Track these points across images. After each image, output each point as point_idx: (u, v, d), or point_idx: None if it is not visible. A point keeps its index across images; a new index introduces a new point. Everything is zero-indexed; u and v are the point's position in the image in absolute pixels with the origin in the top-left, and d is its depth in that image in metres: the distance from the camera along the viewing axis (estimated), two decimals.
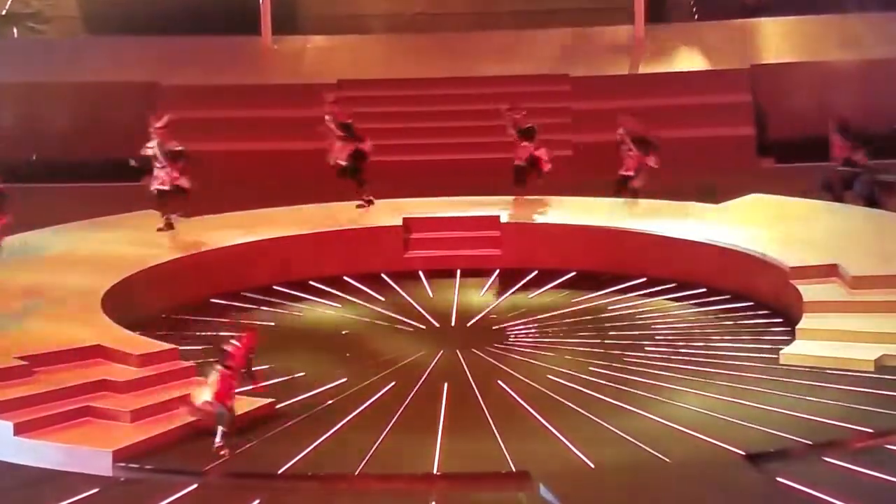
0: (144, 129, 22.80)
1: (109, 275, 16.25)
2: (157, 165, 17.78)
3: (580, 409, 13.32)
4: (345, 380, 14.31)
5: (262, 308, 16.89)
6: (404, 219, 18.67)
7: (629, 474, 11.83)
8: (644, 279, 17.36)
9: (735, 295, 16.60)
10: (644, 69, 25.15)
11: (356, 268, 17.95)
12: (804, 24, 26.22)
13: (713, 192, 19.23)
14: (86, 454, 12.18)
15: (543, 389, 13.91)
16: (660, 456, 12.11)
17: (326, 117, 18.96)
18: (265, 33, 26.08)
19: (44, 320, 14.59)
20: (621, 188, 19.44)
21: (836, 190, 19.99)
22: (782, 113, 24.08)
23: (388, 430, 12.78)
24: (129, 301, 15.88)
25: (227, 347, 12.55)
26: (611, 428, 12.78)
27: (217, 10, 25.97)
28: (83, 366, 13.71)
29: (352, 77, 24.67)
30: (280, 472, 11.96)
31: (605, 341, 15.44)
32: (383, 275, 17.91)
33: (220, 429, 12.25)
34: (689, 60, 25.34)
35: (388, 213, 19.00)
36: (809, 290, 15.49)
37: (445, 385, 14.06)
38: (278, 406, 13.41)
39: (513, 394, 13.85)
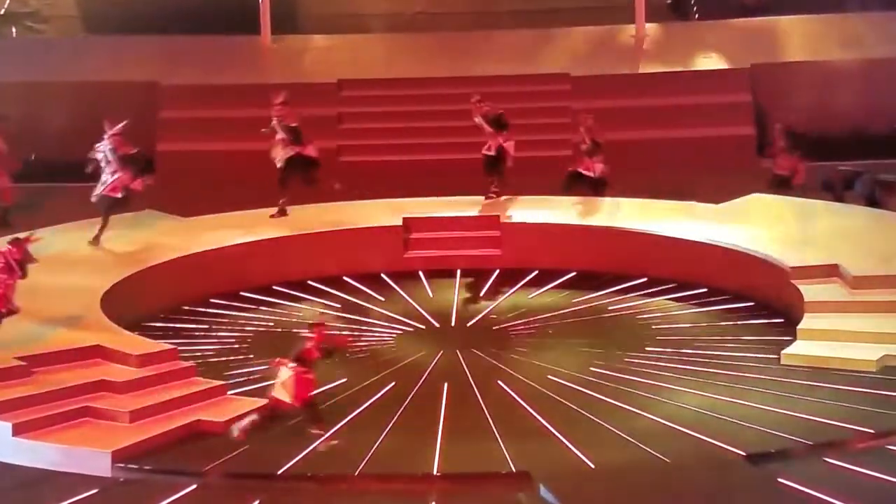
0: (144, 129, 22.94)
1: (108, 275, 16.24)
2: (108, 171, 17.27)
3: (580, 410, 13.31)
4: (345, 380, 14.29)
5: (262, 308, 16.86)
6: (404, 219, 18.64)
7: (629, 475, 11.81)
8: (644, 279, 17.33)
9: (736, 295, 16.58)
10: (644, 69, 25.11)
11: (356, 268, 17.92)
12: (805, 24, 26.17)
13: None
14: (85, 455, 12.17)
15: (543, 390, 13.90)
16: (660, 456, 12.09)
17: (274, 119, 18.54)
18: (265, 33, 26.05)
19: (43, 320, 14.56)
20: (572, 184, 19.44)
21: (836, 190, 19.96)
22: (783, 113, 24.02)
23: (387, 430, 12.77)
24: (129, 301, 15.85)
25: (303, 344, 12.48)
26: (611, 428, 12.76)
27: (216, 9, 25.94)
28: (82, 366, 13.73)
29: (352, 77, 24.64)
30: (279, 472, 11.95)
31: (606, 342, 15.42)
32: (383, 275, 17.88)
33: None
34: (689, 60, 25.30)
35: (388, 213, 18.97)
36: (810, 291, 15.47)
37: (445, 385, 14.05)
38: None
39: (513, 394, 13.84)
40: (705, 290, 16.86)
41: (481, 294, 17.62)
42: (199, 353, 14.95)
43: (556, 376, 14.32)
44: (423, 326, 16.28)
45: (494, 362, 14.90)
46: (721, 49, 25.40)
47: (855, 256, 16.16)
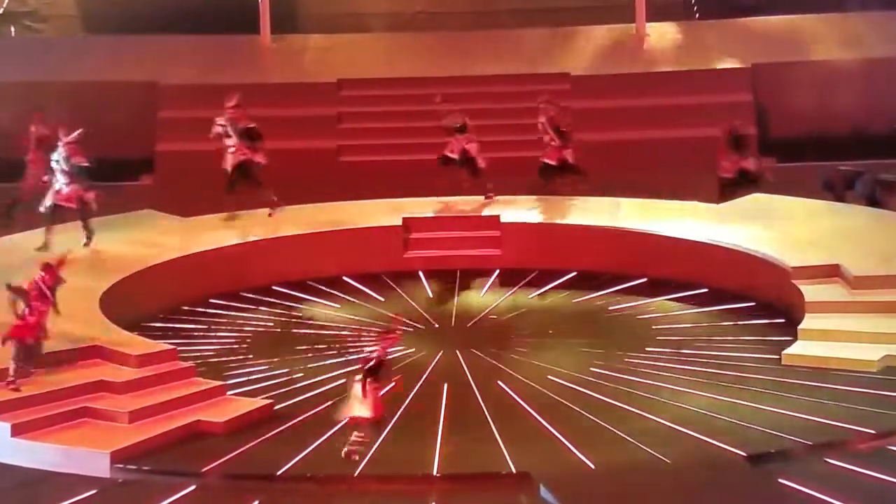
0: (144, 129, 22.92)
1: (107, 275, 16.22)
2: (62, 181, 16.79)
3: (580, 410, 13.28)
4: (344, 381, 14.23)
5: (261, 308, 16.83)
6: (404, 219, 18.61)
7: (630, 475, 11.78)
8: (645, 279, 17.30)
9: (736, 295, 16.55)
10: (645, 68, 25.09)
11: (356, 268, 17.89)
12: (805, 23, 26.16)
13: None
14: (83, 455, 12.14)
15: (543, 390, 13.87)
16: (660, 457, 12.07)
17: (220, 121, 18.20)
18: (264, 32, 26.03)
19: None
20: (547, 176, 19.38)
21: (837, 190, 19.92)
22: (783, 112, 24.01)
23: (387, 430, 12.71)
24: (128, 301, 15.82)
25: (373, 354, 12.31)
26: (611, 429, 12.74)
27: (216, 9, 25.92)
28: (81, 366, 13.68)
29: (351, 76, 24.62)
30: (279, 473, 11.92)
31: (607, 342, 15.39)
32: (383, 275, 17.85)
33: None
34: (689, 59, 25.28)
35: (388, 213, 18.94)
36: (811, 291, 15.45)
37: (445, 385, 14.02)
38: (277, 407, 13.38)
39: (513, 394, 13.81)
40: (706, 290, 16.83)
41: (481, 294, 17.59)
42: (198, 354, 14.93)
43: (556, 377, 14.30)
44: (422, 327, 16.25)
45: (494, 362, 14.88)
46: (722, 49, 25.38)
47: (856, 256, 16.13)
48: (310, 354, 15.19)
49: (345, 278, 17.72)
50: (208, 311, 16.65)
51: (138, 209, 19.19)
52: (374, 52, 25.87)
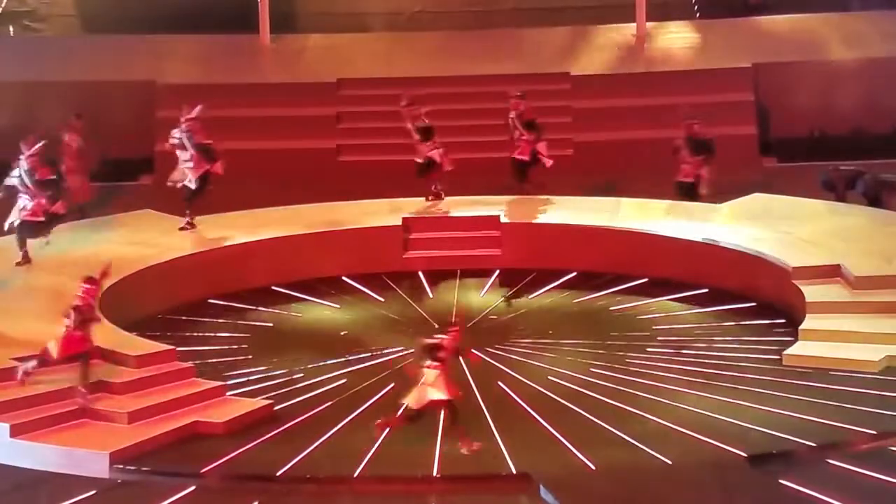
0: (143, 128, 22.85)
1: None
2: (25, 196, 16.20)
3: (581, 411, 13.26)
4: (344, 381, 14.24)
5: (261, 308, 16.79)
6: (404, 219, 18.58)
7: (630, 476, 11.78)
8: (646, 280, 17.26)
9: (737, 295, 16.52)
10: (645, 67, 25.05)
11: (356, 268, 17.85)
12: (807, 23, 26.11)
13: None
14: (82, 456, 12.15)
15: (544, 391, 13.85)
16: (661, 458, 12.04)
17: (176, 132, 17.61)
18: (263, 31, 25.97)
19: (40, 321, 14.48)
20: (519, 172, 19.32)
21: (838, 189, 19.88)
22: (785, 112, 23.98)
23: (387, 431, 12.67)
24: (127, 301, 15.77)
25: (438, 340, 12.36)
26: (612, 429, 12.72)
27: (215, 8, 25.87)
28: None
29: (351, 76, 24.57)
30: (278, 474, 11.90)
31: (607, 342, 15.36)
32: (383, 275, 17.81)
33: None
34: (690, 59, 25.24)
35: (387, 213, 18.90)
36: (812, 291, 15.42)
37: None
38: (277, 408, 13.36)
39: (513, 395, 13.79)
40: (706, 290, 16.80)
41: (481, 294, 17.55)
42: (197, 354, 14.89)
43: (556, 377, 14.27)
44: (422, 327, 16.19)
45: (494, 363, 14.84)
46: (723, 47, 25.34)
47: (857, 257, 16.10)
48: (309, 355, 15.14)
49: (345, 278, 17.68)
50: (208, 311, 16.62)
51: (137, 209, 19.15)
52: (374, 51, 25.81)
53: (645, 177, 20.46)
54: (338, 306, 16.97)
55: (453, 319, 13.05)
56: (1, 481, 11.95)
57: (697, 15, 27.80)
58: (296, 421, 13.04)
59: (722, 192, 19.23)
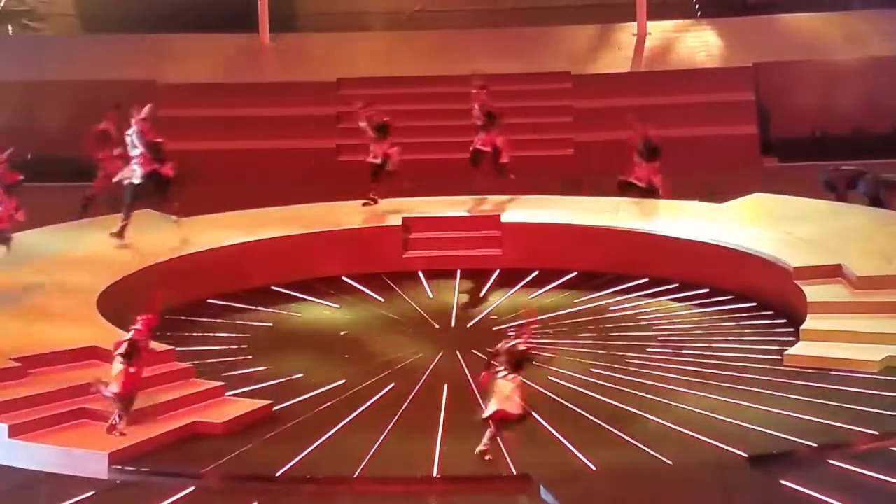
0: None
1: (105, 275, 16.14)
2: None
3: (581, 411, 13.22)
4: (343, 381, 14.20)
5: (260, 309, 16.75)
6: (404, 219, 18.54)
7: (631, 477, 11.74)
8: (646, 280, 17.22)
9: (738, 295, 16.49)
10: (646, 67, 25.03)
11: (355, 268, 17.82)
12: (808, 22, 26.11)
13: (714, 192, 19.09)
14: (81, 456, 12.09)
15: (544, 391, 13.80)
16: (661, 458, 12.00)
17: (128, 132, 17.31)
18: (263, 31, 25.97)
19: (39, 321, 14.47)
20: (477, 162, 19.22)
21: (839, 189, 19.85)
22: (786, 111, 23.96)
23: (387, 432, 12.67)
24: (126, 301, 15.71)
25: (514, 348, 12.14)
26: (612, 430, 12.68)
27: (214, 7, 25.85)
28: (79, 367, 13.61)
29: (351, 75, 24.55)
30: (278, 474, 11.87)
31: (607, 342, 15.32)
32: (382, 275, 17.77)
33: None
34: (691, 58, 25.22)
35: (387, 213, 18.86)
36: (813, 291, 15.38)
37: (445, 387, 13.94)
38: (276, 408, 13.31)
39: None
40: (707, 290, 16.76)
41: (481, 294, 17.52)
42: (197, 355, 14.85)
43: (556, 377, 14.23)
44: (422, 327, 16.17)
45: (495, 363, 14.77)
46: (724, 47, 25.32)
47: (858, 256, 16.06)
48: (309, 355, 15.10)
49: (344, 278, 17.65)
50: (207, 311, 16.58)
51: (136, 209, 19.08)
52: (374, 50, 25.80)
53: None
54: (338, 306, 16.94)
55: (524, 320, 12.69)
56: (0, 482, 11.91)
57: (698, 14, 27.80)
58: (295, 421, 13.00)
59: (723, 193, 19.20)
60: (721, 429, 12.59)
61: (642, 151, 19.27)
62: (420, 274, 17.90)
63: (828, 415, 12.78)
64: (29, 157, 23.01)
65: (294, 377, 14.31)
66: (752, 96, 23.93)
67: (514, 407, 11.97)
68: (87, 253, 17.08)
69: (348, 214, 18.89)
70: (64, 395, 12.96)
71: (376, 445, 12.31)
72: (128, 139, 17.37)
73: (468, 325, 16.32)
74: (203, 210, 18.75)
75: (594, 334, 15.67)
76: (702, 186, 19.55)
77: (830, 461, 11.84)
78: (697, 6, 28.01)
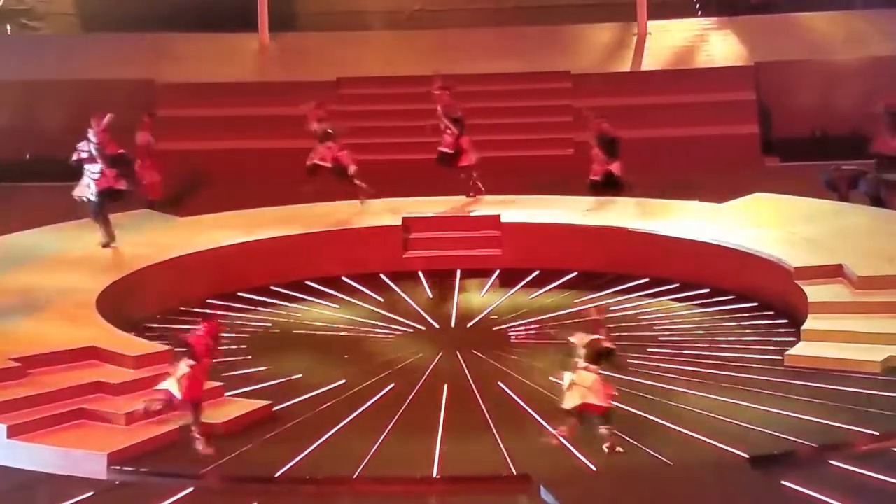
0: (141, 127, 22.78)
1: (104, 275, 16.13)
2: None
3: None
4: (343, 382, 14.18)
5: (259, 309, 16.73)
6: (404, 218, 18.52)
7: (631, 478, 11.71)
8: (647, 280, 17.19)
9: (739, 295, 16.46)
10: (647, 66, 25.01)
11: (355, 268, 17.79)
12: (809, 22, 26.08)
13: None
14: (80, 457, 12.08)
15: (544, 391, 13.76)
16: (662, 458, 11.97)
17: (84, 146, 16.85)
18: (263, 30, 25.94)
19: (38, 321, 14.46)
20: (444, 164, 19.20)
21: (841, 189, 19.82)
22: (787, 111, 23.93)
23: (387, 432, 12.66)
24: (125, 302, 15.73)
25: (594, 341, 12.19)
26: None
27: (214, 6, 25.83)
28: (77, 367, 13.59)
29: (351, 74, 24.52)
30: (277, 475, 11.84)
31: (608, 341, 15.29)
32: (382, 275, 17.75)
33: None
34: (692, 57, 25.20)
35: (387, 212, 18.84)
36: (814, 291, 15.35)
37: (445, 387, 13.93)
38: (276, 408, 13.29)
39: (513, 396, 13.71)
40: (708, 290, 16.73)
41: (481, 294, 17.49)
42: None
43: (557, 378, 14.16)
44: (422, 327, 16.15)
45: (495, 363, 14.79)
46: (725, 47, 25.29)
47: (859, 256, 16.03)
48: (309, 355, 15.07)
49: (344, 278, 17.62)
50: (206, 311, 16.48)
51: (135, 209, 19.08)
52: (374, 50, 25.77)
53: (645, 176, 20.37)
54: (338, 306, 16.91)
55: (594, 315, 12.70)
56: None
57: (699, 13, 27.77)
58: (295, 421, 12.97)
59: (724, 192, 19.17)
60: (721, 429, 12.57)
61: (599, 146, 19.23)
62: (420, 274, 17.87)
63: (829, 415, 12.76)
64: (28, 156, 23.06)
65: (294, 377, 14.29)
66: (753, 96, 23.89)
67: (600, 399, 12.03)
68: (86, 253, 17.06)
69: (348, 214, 18.86)
70: (63, 396, 12.95)
71: (376, 446, 12.29)
72: (85, 153, 16.87)
73: (468, 325, 16.30)
74: (203, 210, 18.73)
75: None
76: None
77: (831, 462, 11.81)
78: (698, 5, 27.98)
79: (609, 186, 19.21)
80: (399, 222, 18.46)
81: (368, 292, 17.29)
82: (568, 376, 12.20)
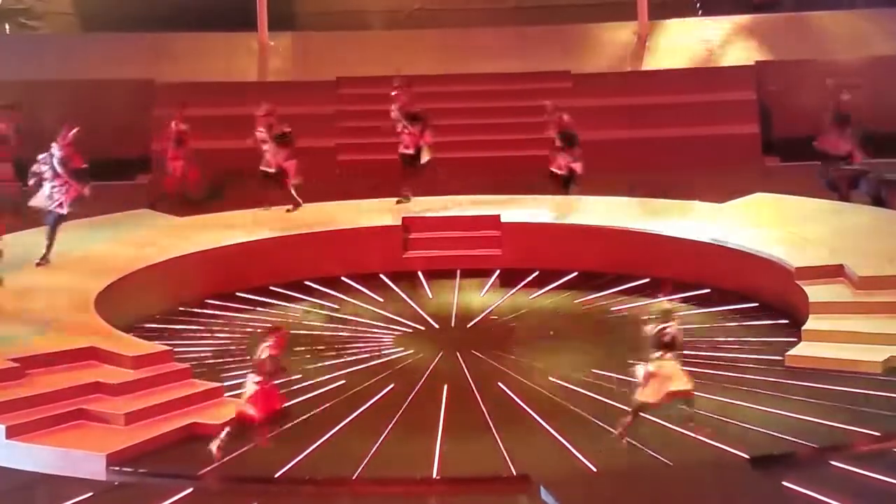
0: (140, 127, 22.79)
1: (103, 275, 16.10)
2: None
3: (582, 412, 13.18)
4: (343, 381, 14.15)
5: (259, 309, 16.70)
6: (403, 218, 18.49)
7: (632, 478, 11.69)
8: (647, 280, 17.16)
9: (740, 296, 16.42)
10: (647, 66, 24.96)
11: (355, 268, 17.76)
12: (810, 21, 26.01)
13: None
14: (79, 457, 12.08)
15: (544, 391, 13.78)
16: (662, 459, 11.95)
17: (43, 157, 16.51)
18: (262, 29, 25.88)
19: (37, 322, 14.42)
20: (407, 165, 19.07)
21: (842, 189, 19.77)
22: (788, 111, 23.86)
23: (386, 433, 12.65)
24: (124, 302, 15.70)
25: (666, 337, 12.28)
26: (613, 431, 12.60)
27: (213, 6, 25.78)
28: (76, 368, 13.57)
29: (350, 74, 24.48)
30: (277, 475, 11.82)
31: (607, 342, 15.28)
32: (382, 275, 17.71)
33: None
34: (692, 57, 25.14)
35: (387, 213, 18.80)
36: (815, 291, 15.33)
37: (445, 387, 13.92)
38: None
39: (513, 396, 13.71)
40: (709, 290, 16.69)
41: (481, 294, 17.46)
42: (195, 355, 14.81)
43: (557, 378, 14.18)
44: (422, 328, 16.13)
45: (495, 364, 14.77)
46: (726, 46, 25.24)
47: (860, 256, 16.00)
48: (308, 356, 15.05)
49: (344, 278, 17.59)
50: (205, 311, 16.53)
51: (134, 209, 19.06)
52: (373, 49, 25.71)
53: (646, 176, 20.35)
54: (337, 306, 16.88)
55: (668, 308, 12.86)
56: None
57: (700, 12, 27.70)
58: (295, 422, 12.93)
59: (724, 192, 19.14)
60: (722, 429, 12.54)
61: (560, 141, 19.19)
62: (420, 274, 17.84)
63: (829, 416, 12.75)
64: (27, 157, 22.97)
65: (293, 378, 14.23)
66: (753, 95, 23.84)
67: (684, 384, 12.19)
68: (86, 253, 17.04)
69: (348, 214, 18.83)
70: (62, 396, 12.94)
71: (376, 446, 12.28)
72: (45, 166, 16.50)
73: (468, 325, 16.27)
74: (202, 210, 18.69)
75: (595, 335, 15.62)
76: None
77: (832, 462, 11.80)
78: (699, 5, 27.92)
79: (567, 183, 19.13)
80: (399, 222, 18.42)
81: (368, 292, 17.26)
82: (641, 369, 12.31)
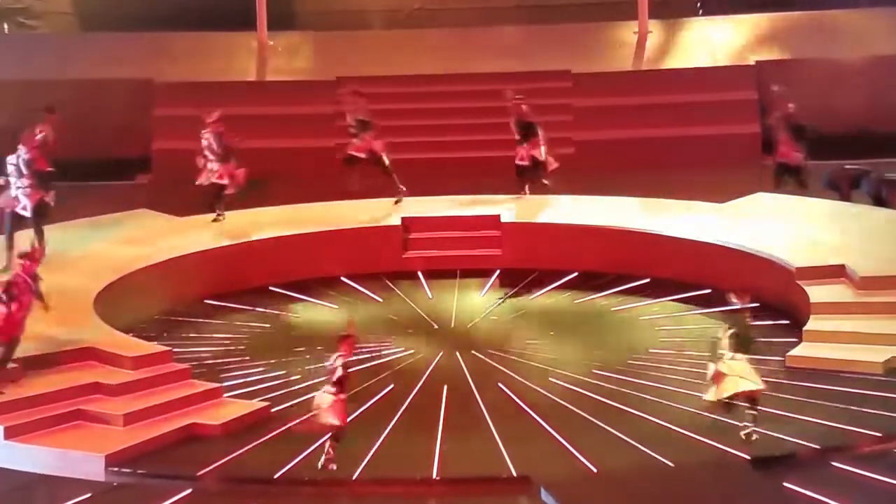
0: (140, 127, 22.78)
1: (102, 275, 16.09)
2: None
3: (582, 412, 13.17)
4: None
5: (259, 309, 16.67)
6: (403, 218, 18.47)
7: (632, 479, 11.68)
8: (648, 280, 17.13)
9: None
10: (648, 65, 24.95)
11: (355, 268, 17.74)
12: (811, 20, 26.00)
13: None
14: (78, 458, 12.07)
15: (545, 392, 13.76)
16: (663, 460, 11.93)
17: (13, 160, 16.29)
18: (261, 29, 25.87)
19: (35, 322, 14.35)
20: (353, 166, 18.95)
21: (843, 189, 19.75)
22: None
23: (386, 433, 12.62)
24: (123, 302, 15.68)
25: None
26: (613, 431, 12.61)
27: (212, 5, 25.77)
28: (75, 368, 13.56)
29: (350, 74, 24.45)
30: (276, 476, 11.80)
31: (608, 343, 15.26)
32: (382, 275, 17.69)
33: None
34: (693, 56, 25.13)
35: (387, 213, 18.78)
36: (816, 291, 15.31)
37: (445, 387, 13.89)
38: (274, 409, 13.27)
39: (513, 396, 13.70)
40: (709, 290, 16.66)
41: (481, 295, 17.44)
42: (194, 356, 14.80)
43: (557, 378, 14.18)
44: (422, 328, 16.10)
45: (495, 364, 14.76)
46: (726, 45, 25.23)
47: (861, 257, 15.98)
48: (307, 356, 15.03)
49: (344, 278, 17.57)
50: (205, 311, 16.51)
51: (134, 208, 19.04)
52: (373, 49, 25.70)
53: (646, 176, 20.33)
54: (337, 306, 16.86)
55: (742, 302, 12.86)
56: None
57: (700, 12, 27.69)
58: (295, 422, 12.89)
59: (724, 192, 19.12)
60: (723, 430, 12.51)
61: (517, 129, 19.14)
62: (420, 274, 17.82)
63: (831, 416, 12.72)
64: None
65: (292, 378, 14.25)
66: (754, 95, 23.82)
67: (754, 383, 12.27)
68: (85, 253, 17.02)
69: (348, 214, 18.81)
70: (61, 397, 12.92)
71: (376, 446, 12.25)
72: (11, 166, 16.39)
73: (468, 325, 16.25)
74: (201, 210, 18.66)
75: (595, 335, 15.61)
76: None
77: (833, 463, 11.78)
78: (699, 4, 27.91)
79: (534, 172, 19.06)
80: (399, 222, 18.40)
81: (368, 292, 17.24)
82: (712, 368, 12.38)
